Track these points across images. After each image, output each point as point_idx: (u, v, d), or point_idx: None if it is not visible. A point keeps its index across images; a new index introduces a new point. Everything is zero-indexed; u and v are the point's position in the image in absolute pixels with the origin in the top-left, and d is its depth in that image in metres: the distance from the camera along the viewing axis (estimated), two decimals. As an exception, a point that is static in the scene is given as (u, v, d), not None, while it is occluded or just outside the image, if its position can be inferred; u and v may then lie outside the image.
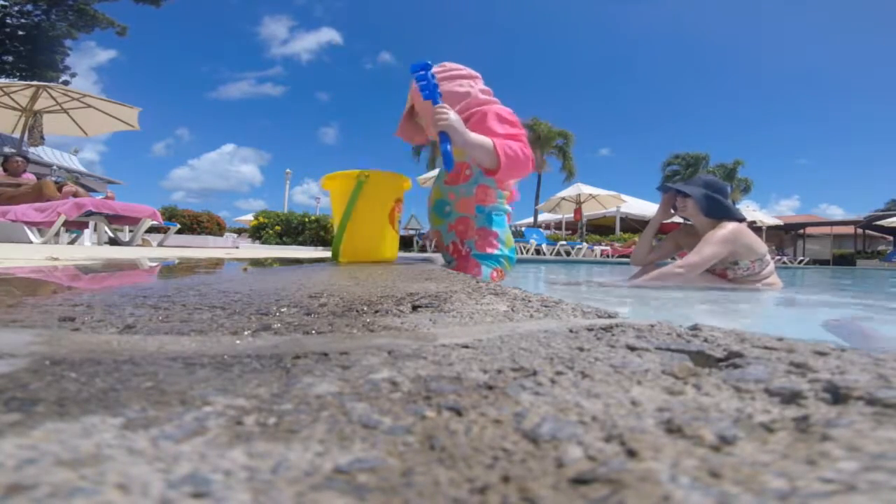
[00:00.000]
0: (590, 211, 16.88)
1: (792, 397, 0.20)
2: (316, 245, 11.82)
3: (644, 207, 20.69)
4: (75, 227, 6.48)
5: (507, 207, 1.74)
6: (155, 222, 7.43)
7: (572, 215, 16.18)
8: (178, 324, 0.42)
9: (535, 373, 0.26)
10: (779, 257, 16.25)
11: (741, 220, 2.39)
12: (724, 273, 2.40)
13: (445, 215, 1.73)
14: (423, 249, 11.71)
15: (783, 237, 25.44)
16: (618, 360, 0.28)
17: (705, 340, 0.34)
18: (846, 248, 25.45)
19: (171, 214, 11.63)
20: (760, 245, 2.36)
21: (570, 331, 0.37)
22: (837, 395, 0.21)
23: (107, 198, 6.94)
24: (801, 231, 26.37)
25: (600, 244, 15.59)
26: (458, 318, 0.45)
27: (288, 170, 18.44)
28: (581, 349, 0.31)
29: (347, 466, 0.16)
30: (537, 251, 12.66)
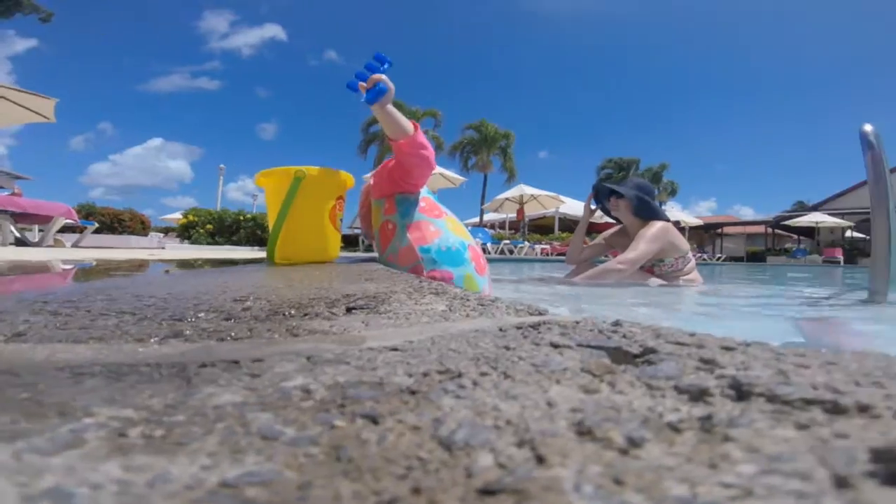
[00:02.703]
0: (531, 211, 17.40)
1: (700, 395, 0.21)
2: (252, 245, 11.31)
3: (581, 208, 21.53)
4: (-25, 225, 5.80)
5: (464, 240, 1.59)
6: (69, 221, 6.82)
7: (515, 215, 16.59)
8: (76, 331, 0.38)
9: (460, 375, 0.26)
10: (699, 254, 17.56)
11: (666, 220, 2.59)
12: (651, 270, 2.58)
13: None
14: (368, 249, 11.54)
15: (703, 236, 27.51)
16: (540, 358, 0.29)
17: (624, 336, 0.36)
18: (758, 246, 27.95)
19: (88, 212, 10.70)
20: (684, 243, 2.56)
21: (500, 329, 0.37)
22: (741, 392, 0.22)
23: (13, 194, 6.27)
24: (719, 230, 28.68)
25: (540, 243, 16.13)
26: (393, 319, 0.43)
27: (222, 165, 17.55)
28: (507, 348, 0.31)
29: (235, 480, 0.14)
30: (483, 250, 12.85)
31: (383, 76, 1.42)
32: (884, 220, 1.79)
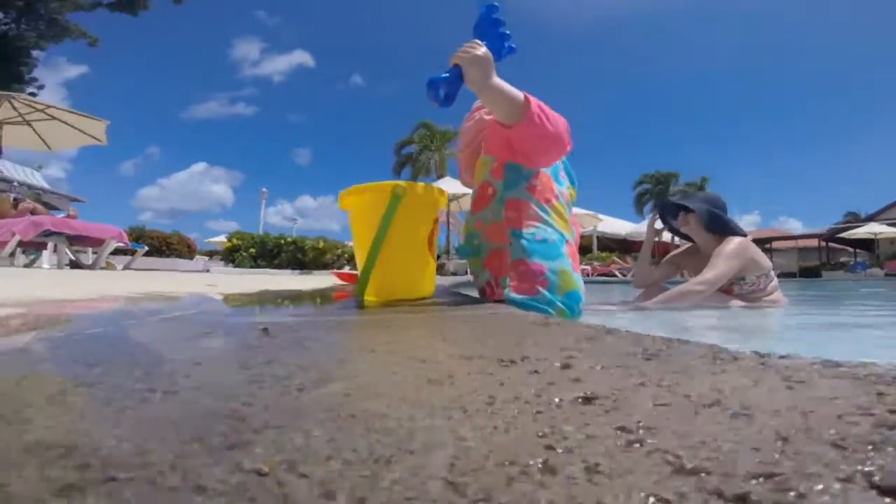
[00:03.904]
0: (569, 229, 16.89)
1: None
2: (293, 268, 11.30)
3: (618, 226, 20.83)
4: (33, 247, 5.92)
5: (564, 233, 1.32)
6: (121, 244, 6.93)
7: (552, 233, 16.09)
8: None
9: None
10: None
11: (744, 235, 2.34)
12: (730, 289, 2.34)
13: (475, 251, 1.36)
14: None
15: (752, 252, 26.18)
16: None
17: None
18: (811, 261, 26.40)
19: (138, 235, 11.02)
20: (765, 260, 2.31)
21: None
22: None
23: (69, 216, 6.42)
24: (768, 245, 27.26)
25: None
26: None
27: (264, 189, 17.90)
28: None
29: None
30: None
31: (470, 50, 1.17)
32: None
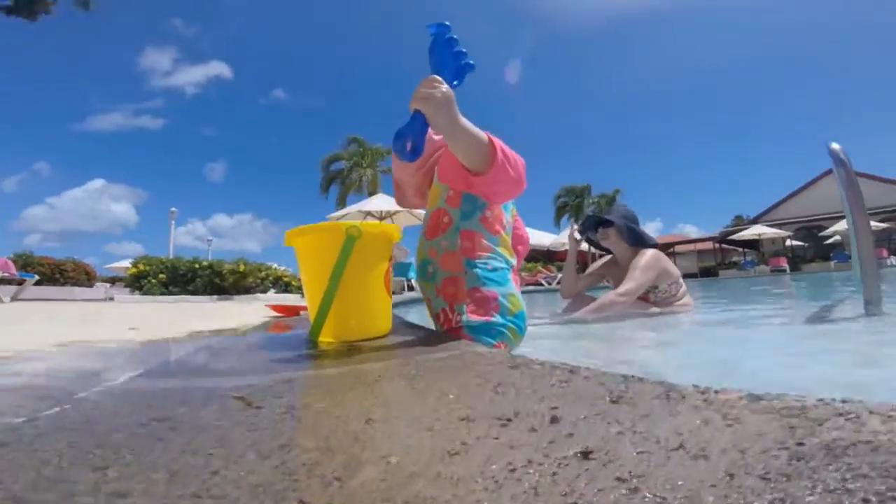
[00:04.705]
0: (495, 241, 17.40)
1: None
2: (210, 294, 10.58)
3: (541, 238, 21.89)
4: None
5: (510, 259, 1.42)
6: (6, 274, 6.19)
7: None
8: None
9: None
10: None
11: (655, 245, 2.61)
12: (647, 297, 2.59)
13: (430, 278, 1.40)
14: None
15: (659, 255, 28.73)
16: None
17: None
18: (708, 262, 29.48)
19: (25, 263, 9.79)
20: (675, 269, 2.62)
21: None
22: None
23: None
24: (672, 249, 30.03)
25: (509, 273, 16.10)
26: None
27: (173, 208, 16.73)
28: None
29: None
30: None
31: (433, 91, 1.06)
32: (867, 231, 1.91)
